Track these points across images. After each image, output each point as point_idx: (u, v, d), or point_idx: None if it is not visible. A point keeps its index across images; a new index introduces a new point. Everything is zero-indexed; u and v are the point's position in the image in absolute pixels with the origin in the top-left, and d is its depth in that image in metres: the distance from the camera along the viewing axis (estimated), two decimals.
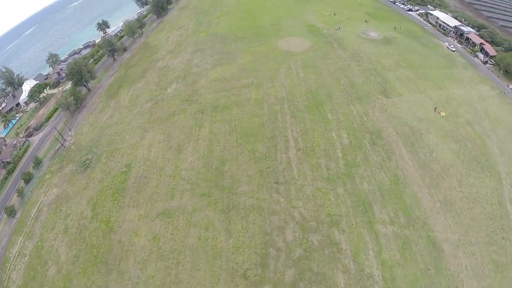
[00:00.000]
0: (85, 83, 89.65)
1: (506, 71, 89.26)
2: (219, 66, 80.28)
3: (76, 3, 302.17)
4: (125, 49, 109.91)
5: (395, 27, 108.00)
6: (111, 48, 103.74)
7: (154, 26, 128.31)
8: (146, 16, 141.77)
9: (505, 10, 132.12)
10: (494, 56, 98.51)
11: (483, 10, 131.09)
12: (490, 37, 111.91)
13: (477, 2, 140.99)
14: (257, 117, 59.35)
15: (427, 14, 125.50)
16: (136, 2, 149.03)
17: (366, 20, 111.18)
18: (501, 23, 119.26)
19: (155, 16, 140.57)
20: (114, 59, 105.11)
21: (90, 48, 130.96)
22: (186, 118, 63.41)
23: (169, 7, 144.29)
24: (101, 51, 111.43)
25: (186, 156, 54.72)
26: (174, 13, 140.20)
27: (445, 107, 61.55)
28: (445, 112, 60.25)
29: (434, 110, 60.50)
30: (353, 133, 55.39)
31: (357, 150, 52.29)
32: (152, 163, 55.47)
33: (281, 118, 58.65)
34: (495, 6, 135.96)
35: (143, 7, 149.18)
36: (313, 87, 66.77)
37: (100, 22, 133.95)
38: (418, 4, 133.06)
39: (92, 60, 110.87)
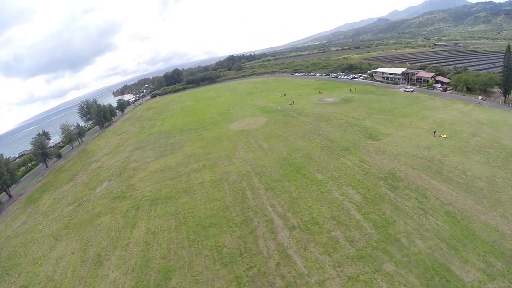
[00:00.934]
0: (6, 188, 76.20)
1: (468, 88, 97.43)
2: (162, 157, 69.68)
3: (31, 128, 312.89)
4: (59, 156, 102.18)
5: (350, 89, 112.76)
6: (41, 151, 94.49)
7: (96, 135, 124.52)
8: (90, 129, 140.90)
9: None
10: (449, 82, 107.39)
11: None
12: (436, 71, 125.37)
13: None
14: (216, 201, 44.54)
15: (371, 74, 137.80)
16: (81, 118, 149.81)
17: (320, 91, 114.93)
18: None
19: (98, 127, 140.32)
20: (47, 166, 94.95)
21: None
22: (114, 218, 47.30)
23: (113, 118, 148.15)
24: (34, 159, 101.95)
25: (108, 271, 35.68)
26: (118, 123, 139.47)
27: (441, 131, 59.15)
28: (444, 134, 57.80)
29: (434, 135, 57.06)
30: (361, 185, 41.52)
31: (379, 203, 36.94)
32: (56, 285, 35.31)
33: (251, 194, 44.41)
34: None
35: (88, 122, 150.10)
36: (285, 153, 56.50)
37: (41, 132, 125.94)
38: (355, 73, 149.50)
39: (23, 168, 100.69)
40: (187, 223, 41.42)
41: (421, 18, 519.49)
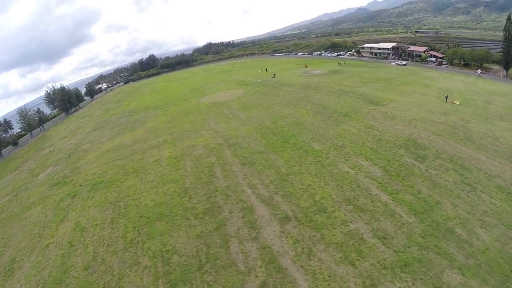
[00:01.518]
0: None
1: (464, 63, 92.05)
2: (119, 135, 56.43)
3: None
4: (15, 144, 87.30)
5: (339, 63, 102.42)
6: None
7: (59, 121, 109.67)
8: (55, 116, 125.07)
9: None
10: (443, 57, 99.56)
11: None
12: (427, 46, 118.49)
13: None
14: (172, 183, 31.45)
15: (358, 50, 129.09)
16: (48, 105, 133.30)
17: (305, 65, 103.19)
18: None
19: (64, 114, 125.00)
20: (1, 155, 79.42)
21: None
22: (45, 209, 33.43)
23: (80, 104, 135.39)
24: None
25: (16, 285, 22.92)
26: (85, 108, 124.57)
27: (451, 98, 50.08)
28: (457, 100, 49.55)
29: (446, 101, 48.75)
30: (377, 155, 30.02)
31: (408, 178, 25.31)
32: None
33: (221, 172, 31.39)
34: None
35: (55, 110, 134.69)
36: (267, 122, 43.90)
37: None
38: (340, 50, 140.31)
39: None
40: (128, 214, 27.73)
41: (400, 8, 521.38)
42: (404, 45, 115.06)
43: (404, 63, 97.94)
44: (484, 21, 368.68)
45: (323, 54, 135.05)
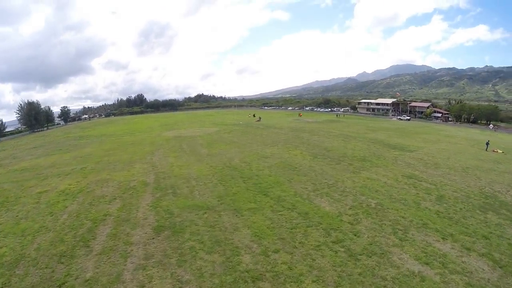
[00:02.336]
0: None
1: (472, 120, 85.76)
2: (47, 156, 35.65)
3: None
4: None
5: (336, 115, 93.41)
6: None
7: (20, 136, 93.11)
8: (21, 132, 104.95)
9: None
10: (447, 114, 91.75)
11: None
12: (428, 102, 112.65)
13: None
14: (18, 237, 11.82)
15: (354, 107, 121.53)
16: (19, 120, 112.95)
17: (299, 114, 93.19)
18: None
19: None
20: None
21: None
22: None
23: (49, 125, 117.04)
24: None
25: None
26: (53, 129, 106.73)
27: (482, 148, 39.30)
28: (499, 149, 39.39)
29: (486, 149, 37.72)
30: (456, 227, 13.39)
31: None
32: None
33: (104, 241, 12.45)
34: None
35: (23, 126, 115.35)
36: (237, 160, 27.61)
37: None
38: (333, 106, 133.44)
39: None
40: None
41: (388, 79, 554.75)
42: (406, 101, 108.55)
43: (408, 117, 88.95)
44: (468, 92, 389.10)
45: (315, 110, 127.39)
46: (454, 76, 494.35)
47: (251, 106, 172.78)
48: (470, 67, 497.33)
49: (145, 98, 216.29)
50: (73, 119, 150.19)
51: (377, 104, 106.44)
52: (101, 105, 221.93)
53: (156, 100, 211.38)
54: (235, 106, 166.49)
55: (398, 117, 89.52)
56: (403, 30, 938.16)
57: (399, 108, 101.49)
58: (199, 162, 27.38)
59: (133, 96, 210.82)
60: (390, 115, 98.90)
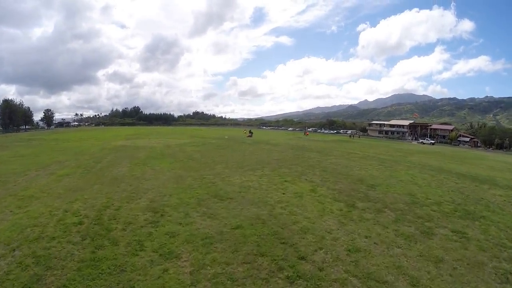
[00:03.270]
0: None
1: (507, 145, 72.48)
2: None
3: None
4: None
5: (350, 135, 78.18)
6: None
7: None
8: None
9: None
10: (474, 138, 76.62)
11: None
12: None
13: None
14: None
15: (364, 129, 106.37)
16: None
17: (306, 133, 77.79)
18: None
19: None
20: None
21: None
22: None
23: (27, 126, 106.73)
24: None
25: None
26: (31, 132, 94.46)
27: None
28: None
29: None
30: None
31: None
32: None
33: None
34: None
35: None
36: (145, 201, 9.36)
37: None
38: (339, 129, 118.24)
39: None
40: None
41: (389, 108, 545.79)
42: (426, 123, 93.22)
43: (432, 141, 73.53)
44: (468, 122, 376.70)
45: (319, 131, 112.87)
46: (455, 106, 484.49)
47: (248, 126, 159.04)
48: (471, 97, 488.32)
49: (142, 111, 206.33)
50: (61, 125, 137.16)
51: (392, 126, 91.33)
52: (96, 115, 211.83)
53: (150, 113, 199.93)
54: (231, 124, 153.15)
55: (420, 140, 74.08)
56: (406, 60, 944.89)
57: (417, 130, 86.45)
58: (69, 194, 11.49)
59: (129, 108, 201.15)
60: (409, 138, 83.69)
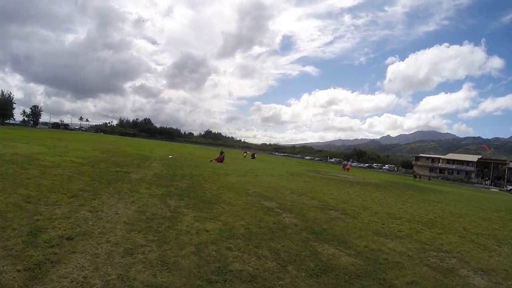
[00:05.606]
0: None
1: None
2: None
3: None
4: None
5: (414, 175, 47.16)
6: None
7: None
8: None
9: None
10: None
11: None
12: None
13: None
14: None
15: (409, 164, 74.69)
16: None
17: (347, 166, 45.27)
18: None
19: None
20: None
21: None
22: None
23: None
24: None
25: None
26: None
27: None
28: None
29: None
30: None
31: None
32: None
33: None
34: None
35: None
36: None
37: None
38: (370, 162, 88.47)
39: None
40: None
41: (412, 144, 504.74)
42: (501, 159, 61.37)
43: None
44: None
45: (344, 163, 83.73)
46: (479, 145, 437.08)
47: (260, 150, 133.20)
48: (495, 137, 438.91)
49: (152, 123, 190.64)
50: (57, 126, 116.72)
51: (450, 162, 61.74)
52: (107, 122, 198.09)
53: (155, 127, 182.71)
54: (240, 146, 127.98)
55: (510, 187, 44.36)
56: (433, 96, 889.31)
57: (491, 170, 56.13)
58: None
59: (140, 119, 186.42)
60: (475, 182, 53.71)
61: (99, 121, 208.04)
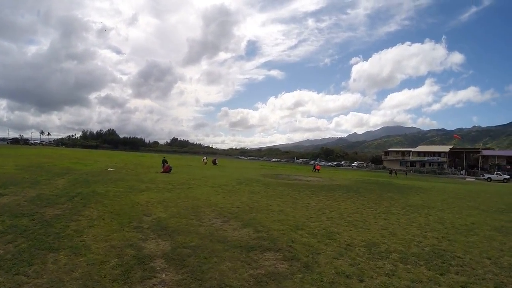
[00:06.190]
0: None
1: None
2: None
3: None
4: None
5: (390, 172, 43.61)
6: None
7: None
8: None
9: None
10: None
11: None
12: None
13: None
14: None
15: (378, 159, 73.64)
16: None
17: (317, 167, 40.67)
18: None
19: None
20: None
21: None
22: None
23: None
24: None
25: None
26: None
27: None
28: None
29: None
30: None
31: None
32: None
33: None
34: None
35: None
36: None
37: None
38: (339, 160, 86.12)
39: None
40: None
41: (379, 140, 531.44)
42: (474, 148, 61.49)
43: (507, 176, 43.83)
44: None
45: (311, 163, 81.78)
46: (443, 136, 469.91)
47: (226, 155, 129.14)
48: (459, 128, 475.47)
49: (117, 133, 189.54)
50: (17, 141, 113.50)
51: (421, 154, 61.69)
52: (70, 135, 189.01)
53: (119, 137, 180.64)
54: (205, 152, 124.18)
55: (487, 176, 44.03)
56: (397, 93, 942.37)
57: (464, 160, 56.30)
58: None
59: (104, 130, 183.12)
60: (449, 172, 53.61)
61: (65, 134, 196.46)
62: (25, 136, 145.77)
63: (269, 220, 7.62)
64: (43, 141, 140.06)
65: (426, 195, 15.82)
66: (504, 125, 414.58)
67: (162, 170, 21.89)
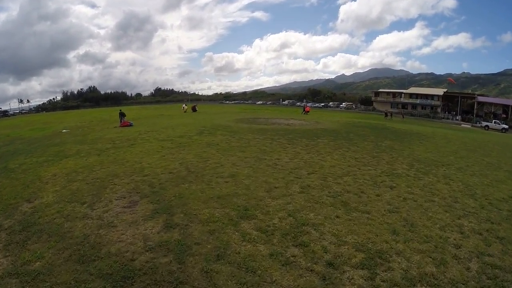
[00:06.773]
0: None
1: None
2: None
3: None
4: None
5: (385, 114, 41.71)
6: None
7: None
8: None
9: None
10: None
11: None
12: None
13: None
14: None
15: (368, 101, 68.69)
16: None
17: (306, 108, 37.84)
18: None
19: None
20: None
21: None
22: None
23: None
24: None
25: None
26: None
27: None
28: None
29: None
30: None
31: None
32: None
33: None
34: None
35: None
36: None
37: None
38: (326, 101, 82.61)
39: None
40: None
41: (367, 82, 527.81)
42: (469, 93, 58.61)
43: (505, 126, 42.49)
44: None
45: (298, 104, 76.54)
46: (432, 80, 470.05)
47: (210, 100, 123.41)
48: (448, 73, 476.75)
49: (99, 90, 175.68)
50: None
51: (413, 96, 58.98)
52: (52, 98, 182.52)
53: (98, 93, 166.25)
54: (187, 100, 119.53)
55: (484, 124, 42.47)
56: (386, 35, 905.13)
57: (459, 105, 53.97)
58: None
59: (84, 88, 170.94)
60: (443, 117, 52.17)
61: (47, 99, 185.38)
62: (6, 107, 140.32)
63: (203, 196, 4.74)
64: (23, 110, 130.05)
65: (432, 144, 13.23)
66: (493, 74, 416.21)
67: (120, 124, 20.35)
